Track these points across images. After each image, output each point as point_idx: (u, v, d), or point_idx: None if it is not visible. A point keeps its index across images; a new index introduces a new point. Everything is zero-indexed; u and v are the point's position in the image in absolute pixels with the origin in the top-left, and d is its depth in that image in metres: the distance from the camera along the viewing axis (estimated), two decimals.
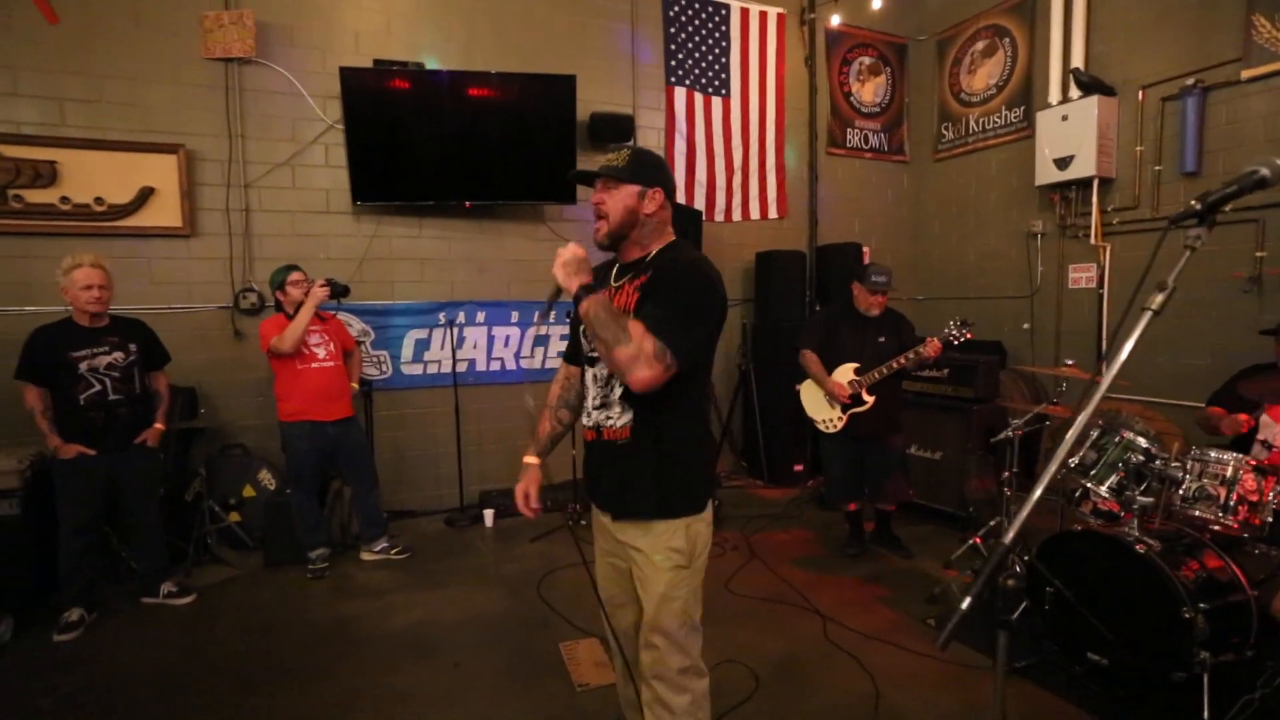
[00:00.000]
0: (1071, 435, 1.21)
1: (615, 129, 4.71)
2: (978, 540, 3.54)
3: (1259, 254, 3.92)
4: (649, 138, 5.00)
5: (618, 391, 1.63)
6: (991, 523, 3.61)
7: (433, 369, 4.46)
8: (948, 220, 5.88)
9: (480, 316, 4.55)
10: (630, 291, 1.63)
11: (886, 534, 3.89)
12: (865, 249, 5.50)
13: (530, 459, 1.86)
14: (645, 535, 1.65)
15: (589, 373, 1.72)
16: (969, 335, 3.37)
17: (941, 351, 3.36)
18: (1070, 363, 3.31)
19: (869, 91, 5.85)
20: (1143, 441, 2.70)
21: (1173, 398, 4.27)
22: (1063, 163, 4.64)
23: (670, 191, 1.70)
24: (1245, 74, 3.91)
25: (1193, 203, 1.27)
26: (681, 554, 1.67)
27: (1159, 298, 1.30)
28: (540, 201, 4.55)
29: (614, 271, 1.73)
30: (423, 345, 4.43)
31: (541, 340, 4.76)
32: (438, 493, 4.52)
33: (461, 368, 4.50)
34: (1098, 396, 1.22)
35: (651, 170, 1.68)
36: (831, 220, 5.65)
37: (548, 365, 4.74)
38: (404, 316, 4.37)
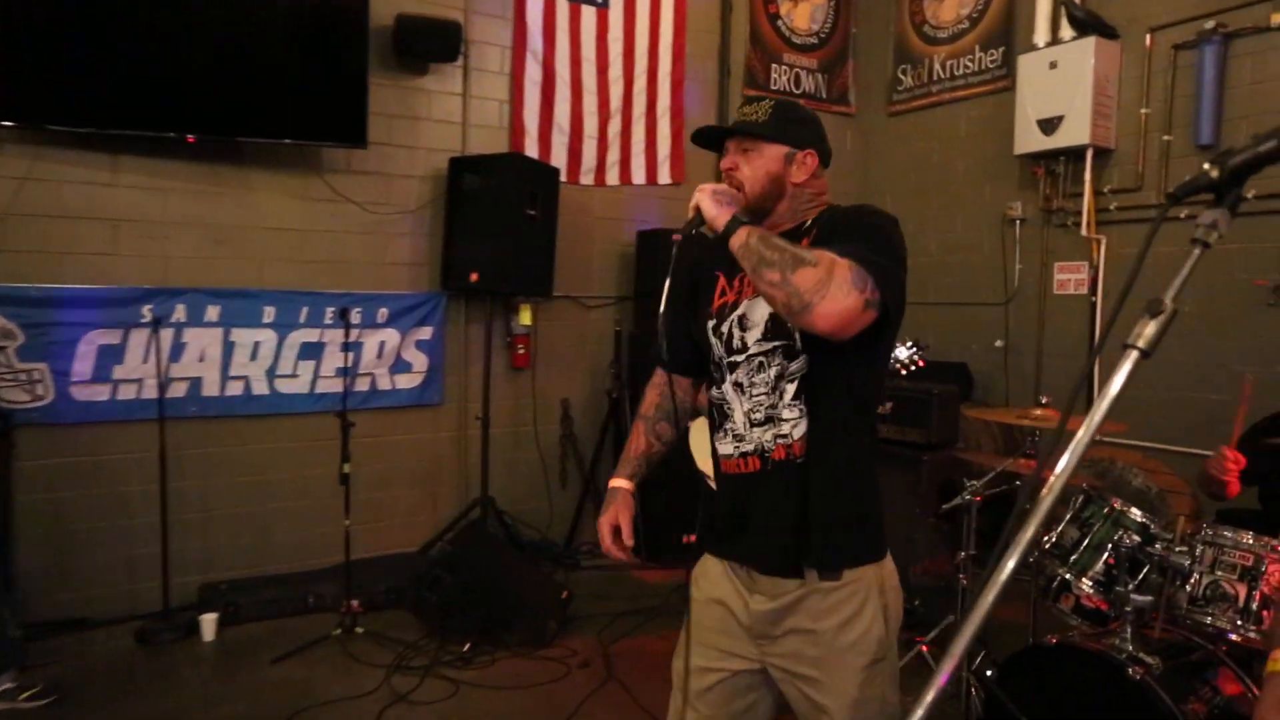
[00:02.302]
0: (1037, 515, 1.06)
1: (433, 41, 4.57)
2: (925, 648, 3.56)
3: None
4: (487, 57, 4.92)
5: (789, 392, 1.72)
6: (947, 620, 3.61)
7: (127, 392, 4.17)
8: (904, 196, 5.98)
9: (212, 312, 4.30)
10: None
11: None
12: None
13: (621, 482, 1.95)
14: (833, 613, 1.70)
15: (730, 382, 1.79)
16: (921, 363, 3.45)
17: None
18: (1045, 401, 3.36)
19: (803, 16, 5.90)
20: (1138, 515, 2.78)
21: (1181, 442, 4.36)
22: (1049, 125, 4.72)
23: (826, 156, 1.81)
24: (1276, 19, 4.00)
25: (1206, 167, 1.02)
26: (889, 620, 1.75)
27: (1150, 328, 1.05)
28: (314, 142, 4.35)
29: None
30: (111, 355, 4.13)
31: (312, 349, 4.49)
32: (130, 589, 4.14)
33: (177, 390, 4.24)
34: (1067, 463, 1.03)
35: (803, 127, 1.79)
36: None
37: (320, 389, 4.52)
38: (80, 309, 4.06)
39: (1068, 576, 2.83)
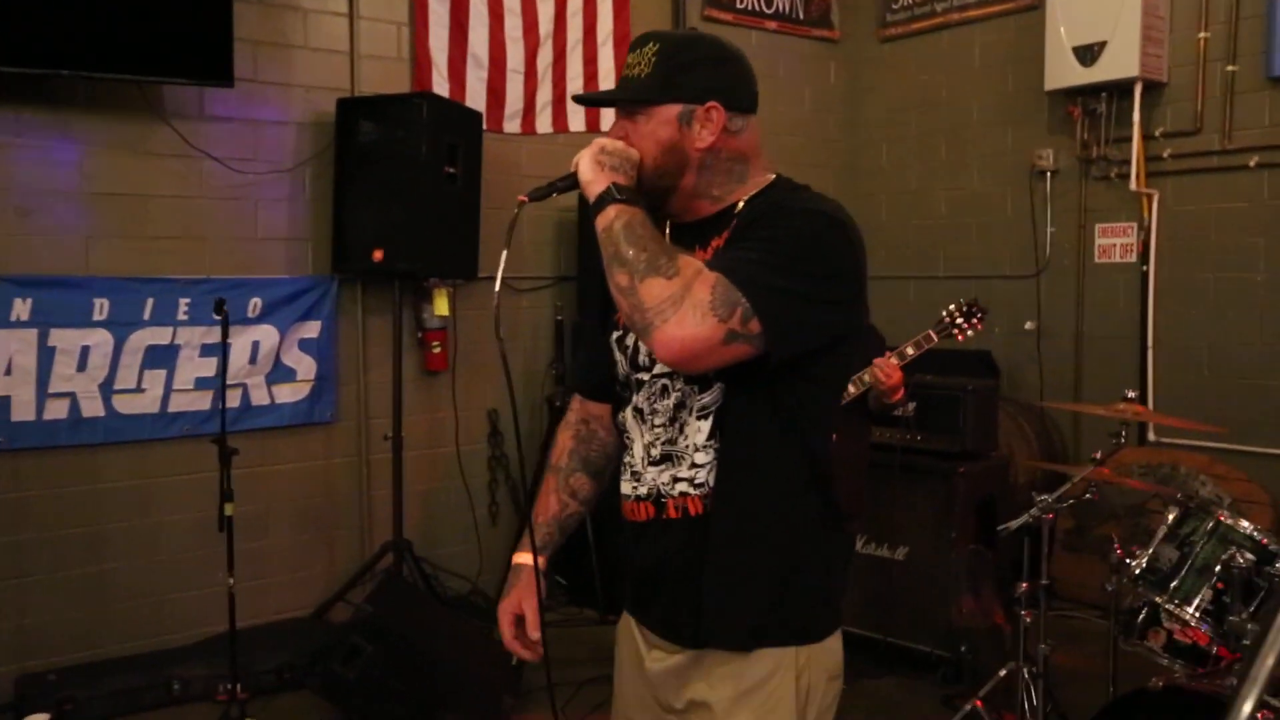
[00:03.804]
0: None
1: None
2: (979, 703, 3.61)
3: None
4: None
5: (696, 426, 1.72)
6: (1002, 672, 3.64)
7: None
8: (903, 143, 6.07)
9: (21, 308, 4.11)
10: None
11: None
12: None
13: (525, 557, 1.94)
14: (731, 680, 1.73)
15: (631, 406, 1.83)
16: (979, 325, 3.66)
17: (904, 387, 3.60)
18: (1131, 395, 3.51)
19: None
20: (1248, 528, 2.89)
21: (1256, 441, 4.50)
22: (1088, 53, 4.87)
23: (745, 101, 1.77)
24: None
25: None
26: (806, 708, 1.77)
27: None
28: (160, 79, 4.16)
29: (666, 237, 1.82)
30: None
31: (162, 354, 4.34)
32: None
33: None
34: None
35: (701, 72, 1.74)
36: None
37: (175, 407, 4.40)
38: None
39: (1169, 606, 2.93)
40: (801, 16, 6.04)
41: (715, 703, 1.73)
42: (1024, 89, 5.33)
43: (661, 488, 1.77)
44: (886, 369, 3.57)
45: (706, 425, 1.72)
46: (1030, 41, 5.21)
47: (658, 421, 1.78)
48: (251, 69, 4.36)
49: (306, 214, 4.59)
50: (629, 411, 1.84)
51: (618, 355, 1.86)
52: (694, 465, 1.74)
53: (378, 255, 4.31)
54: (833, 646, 1.80)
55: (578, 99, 1.70)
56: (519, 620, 1.93)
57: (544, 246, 5.27)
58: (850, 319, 1.72)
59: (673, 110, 1.72)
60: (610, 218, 1.62)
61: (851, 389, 3.65)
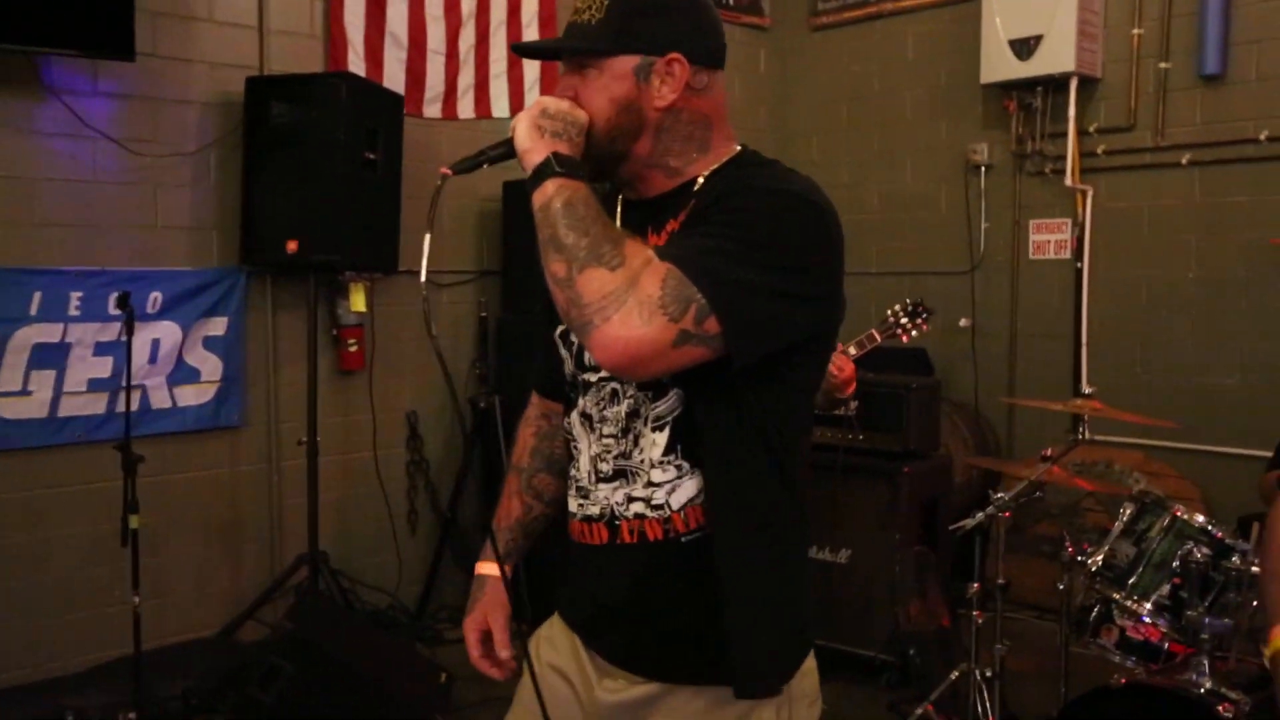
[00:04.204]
0: None
1: None
2: (930, 708, 3.74)
3: None
4: None
5: (651, 439, 1.63)
6: (954, 675, 3.76)
7: None
8: (834, 135, 6.22)
9: None
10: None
11: None
12: None
13: (489, 567, 1.92)
14: (697, 697, 1.65)
15: (578, 411, 1.74)
16: (924, 326, 3.74)
17: (855, 383, 3.64)
18: (1088, 391, 3.75)
19: None
20: (1204, 522, 3.07)
21: (1187, 439, 4.67)
22: (1024, 46, 5.06)
23: (711, 55, 1.66)
24: None
25: None
26: None
27: None
28: (51, 50, 4.05)
29: (617, 218, 1.75)
30: None
31: (51, 353, 4.23)
32: None
33: None
34: None
35: (660, 19, 1.63)
36: None
37: (65, 411, 4.30)
38: None
39: (1127, 602, 3.09)
40: (731, 2, 6.14)
41: None
42: (958, 82, 5.49)
43: (615, 508, 1.68)
44: (839, 361, 3.55)
45: (663, 437, 1.62)
46: (965, 34, 5.36)
47: (607, 431, 1.69)
48: (151, 42, 4.24)
49: (212, 201, 4.53)
50: (576, 416, 1.75)
51: (563, 352, 1.77)
52: (650, 484, 1.64)
53: (292, 246, 4.25)
54: (809, 669, 1.74)
55: (517, 48, 1.58)
56: (486, 636, 1.88)
57: (464, 239, 5.25)
58: (824, 315, 1.62)
59: (629, 62, 1.60)
60: (548, 194, 1.50)
61: None
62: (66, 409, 4.25)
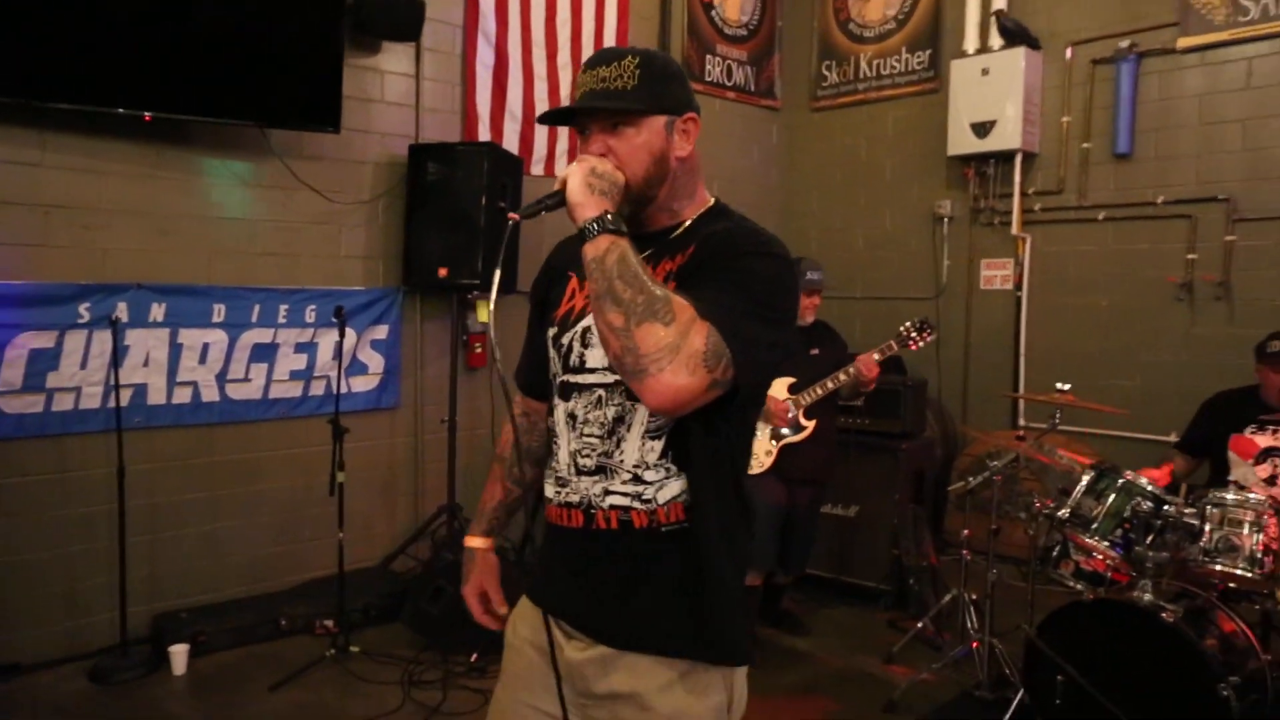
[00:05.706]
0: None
1: (392, 17, 4.95)
2: (927, 629, 4.35)
3: (1190, 256, 5.43)
4: (439, 37, 5.39)
5: (649, 446, 1.64)
6: (946, 599, 4.40)
7: (64, 402, 4.29)
8: (829, 191, 6.99)
9: (157, 311, 4.49)
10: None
11: (776, 609, 4.73)
12: None
13: (477, 541, 1.99)
14: (670, 690, 1.65)
15: (562, 409, 1.72)
16: (928, 337, 4.19)
17: (878, 375, 4.18)
18: (1064, 388, 4.07)
19: (733, 6, 6.82)
20: (1146, 482, 3.56)
21: (1099, 425, 5.43)
22: (982, 129, 5.92)
23: (698, 113, 1.75)
24: (1181, 43, 5.43)
25: None
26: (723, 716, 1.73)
27: None
28: (271, 128, 4.61)
29: None
30: (44, 360, 4.22)
31: (264, 351, 4.79)
32: (71, 625, 4.33)
33: (123, 397, 4.34)
34: None
35: (678, 85, 1.71)
36: None
37: (274, 394, 4.85)
38: (5, 308, 4.12)
39: (1090, 540, 3.52)
40: (753, 89, 6.88)
41: (645, 692, 1.64)
42: (928, 153, 6.23)
43: (592, 499, 1.68)
44: (870, 365, 4.07)
45: (659, 445, 1.64)
46: (931, 116, 6.15)
47: (590, 431, 1.68)
48: (357, 118, 4.91)
49: (380, 237, 5.10)
50: (560, 414, 1.73)
51: (552, 354, 1.76)
52: (641, 481, 1.65)
53: (443, 272, 4.84)
54: (743, 676, 1.74)
55: (551, 112, 1.81)
56: (483, 598, 1.95)
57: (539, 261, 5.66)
58: (788, 354, 1.69)
59: (661, 120, 1.66)
60: (602, 249, 1.51)
61: (830, 384, 4.16)
62: (275, 392, 4.80)
